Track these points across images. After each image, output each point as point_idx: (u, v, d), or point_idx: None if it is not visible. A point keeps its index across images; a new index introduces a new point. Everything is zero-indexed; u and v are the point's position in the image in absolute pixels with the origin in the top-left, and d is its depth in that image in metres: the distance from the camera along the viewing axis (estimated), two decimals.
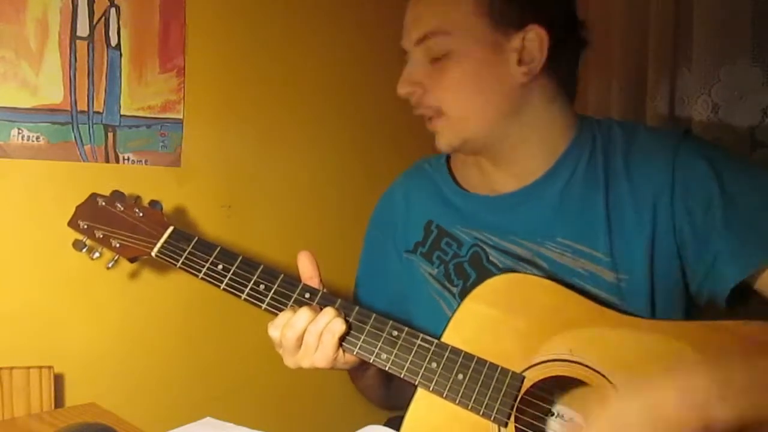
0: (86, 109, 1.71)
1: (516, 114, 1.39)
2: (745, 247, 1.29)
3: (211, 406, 1.89)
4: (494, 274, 1.38)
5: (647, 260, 1.34)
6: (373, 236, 1.66)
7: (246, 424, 1.29)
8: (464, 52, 1.35)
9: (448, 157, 1.59)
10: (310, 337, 1.31)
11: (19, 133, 1.64)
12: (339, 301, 1.37)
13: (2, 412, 1.56)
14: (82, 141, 1.71)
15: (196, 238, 1.46)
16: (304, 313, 1.32)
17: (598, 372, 1.22)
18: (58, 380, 1.68)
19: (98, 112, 1.72)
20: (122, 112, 1.76)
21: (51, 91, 1.67)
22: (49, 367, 1.62)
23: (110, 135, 1.74)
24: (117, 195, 1.54)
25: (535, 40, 1.35)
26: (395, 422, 1.31)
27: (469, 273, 1.44)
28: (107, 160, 1.74)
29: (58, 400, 1.67)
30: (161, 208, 1.54)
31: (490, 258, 1.43)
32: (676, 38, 2.01)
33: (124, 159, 1.76)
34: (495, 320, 1.29)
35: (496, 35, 1.35)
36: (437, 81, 1.37)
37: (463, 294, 1.37)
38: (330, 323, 1.31)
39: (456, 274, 1.46)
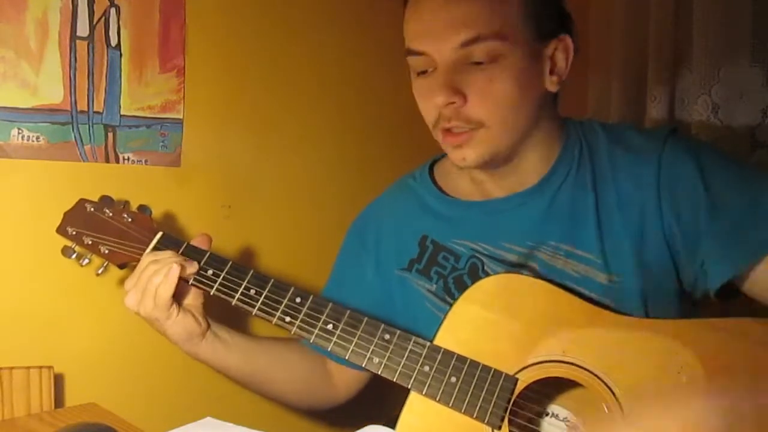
0: (86, 109, 1.71)
1: (532, 127, 1.38)
2: (730, 248, 1.29)
3: (211, 406, 1.89)
4: None
5: (638, 261, 1.35)
6: (350, 245, 1.66)
7: (246, 424, 1.29)
8: (513, 59, 1.30)
9: (430, 170, 1.58)
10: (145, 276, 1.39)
11: (19, 133, 1.64)
12: (330, 304, 1.38)
13: (2, 412, 1.56)
14: (82, 141, 1.71)
15: (186, 244, 1.47)
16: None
17: (592, 373, 1.23)
18: (58, 380, 1.68)
19: (98, 112, 1.73)
20: (122, 112, 1.75)
21: (51, 91, 1.67)
22: (49, 367, 1.62)
23: (110, 135, 1.74)
24: (106, 200, 1.54)
25: (564, 50, 1.35)
26: (395, 422, 1.31)
27: (468, 285, 1.43)
28: (107, 160, 1.74)
29: (58, 400, 1.67)
30: (150, 213, 1.54)
31: (485, 268, 1.43)
32: (676, 38, 2.00)
33: (124, 159, 1.76)
34: (488, 322, 1.29)
35: (536, 42, 1.33)
36: (484, 91, 1.31)
37: None
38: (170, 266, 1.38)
39: (456, 287, 1.46)
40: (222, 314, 1.52)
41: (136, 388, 1.80)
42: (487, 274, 1.42)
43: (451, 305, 1.33)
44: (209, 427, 1.31)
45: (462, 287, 1.43)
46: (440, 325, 1.33)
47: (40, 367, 1.61)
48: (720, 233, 1.30)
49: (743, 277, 1.31)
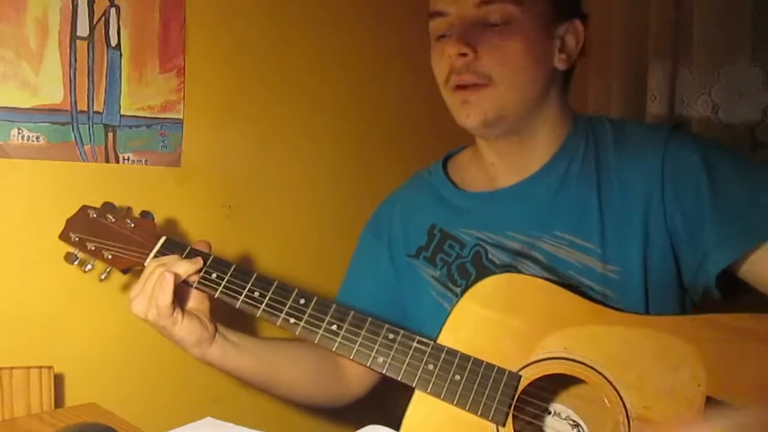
0: (86, 109, 1.71)
1: (541, 101, 1.43)
2: (731, 235, 1.31)
3: (211, 406, 1.89)
4: (492, 272, 1.39)
5: (640, 252, 1.37)
6: (367, 239, 1.68)
7: (246, 424, 1.28)
8: (526, 26, 1.38)
9: (444, 164, 1.61)
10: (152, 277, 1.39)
11: (19, 133, 1.64)
12: (334, 305, 1.38)
13: (2, 412, 1.56)
14: (82, 141, 1.71)
15: (189, 248, 1.47)
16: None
17: (594, 368, 1.23)
18: (58, 380, 1.67)
19: (98, 112, 1.72)
20: (122, 112, 1.75)
21: (51, 91, 1.67)
22: (49, 367, 1.62)
23: (110, 135, 1.74)
24: (108, 206, 1.55)
25: (574, 33, 1.44)
26: (396, 422, 1.31)
27: (470, 272, 1.46)
28: (107, 160, 1.74)
29: (58, 400, 1.66)
30: (153, 218, 1.54)
31: (489, 256, 1.44)
32: (676, 38, 2.01)
33: (124, 159, 1.76)
34: (490, 320, 1.30)
35: (550, 20, 1.41)
36: (495, 47, 1.37)
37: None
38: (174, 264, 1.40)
39: (459, 274, 1.48)
40: (228, 317, 1.52)
41: (136, 388, 1.80)
42: (490, 261, 1.44)
43: (453, 305, 1.34)
44: (209, 427, 1.30)
45: (464, 274, 1.46)
46: (443, 324, 1.33)
47: (40, 367, 1.61)
48: (722, 221, 1.32)
49: (740, 263, 1.33)
